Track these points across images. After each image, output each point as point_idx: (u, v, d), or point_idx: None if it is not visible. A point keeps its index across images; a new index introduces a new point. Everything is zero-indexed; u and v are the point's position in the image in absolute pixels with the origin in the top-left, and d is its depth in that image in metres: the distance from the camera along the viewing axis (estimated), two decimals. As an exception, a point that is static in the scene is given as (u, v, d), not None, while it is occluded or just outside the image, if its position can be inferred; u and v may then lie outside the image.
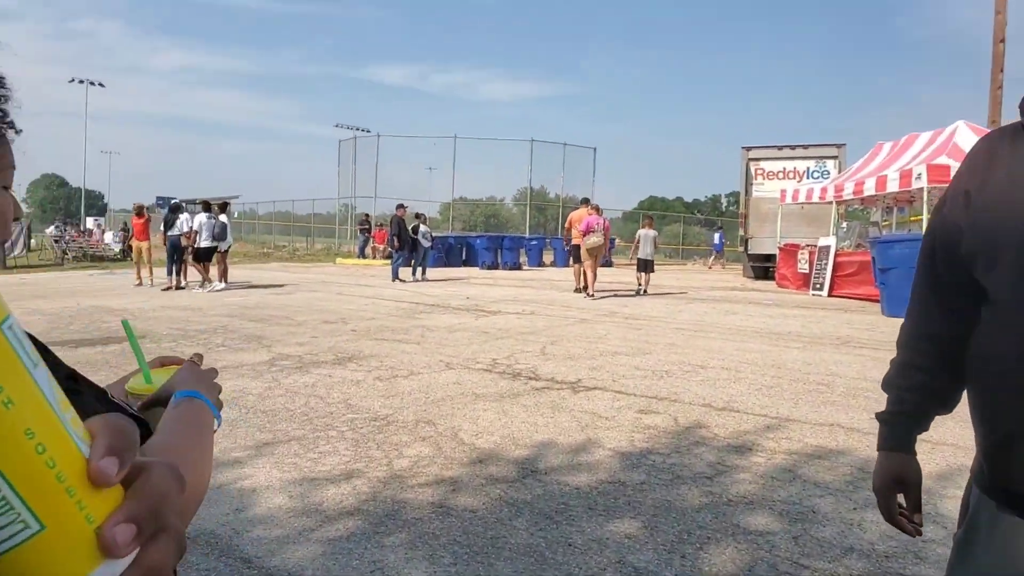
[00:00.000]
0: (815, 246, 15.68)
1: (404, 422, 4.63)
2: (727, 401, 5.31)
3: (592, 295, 13.20)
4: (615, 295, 13.93)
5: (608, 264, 24.30)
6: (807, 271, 15.89)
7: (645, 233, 14.59)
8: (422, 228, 17.59)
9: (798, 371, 6.48)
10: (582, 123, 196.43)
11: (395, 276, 16.43)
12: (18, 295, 12.85)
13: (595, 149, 33.33)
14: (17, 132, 0.73)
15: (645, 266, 14.43)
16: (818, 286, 15.04)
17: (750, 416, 4.90)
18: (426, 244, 17.63)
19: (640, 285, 14.45)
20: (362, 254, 26.95)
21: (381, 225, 26.01)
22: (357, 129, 40.27)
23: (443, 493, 3.45)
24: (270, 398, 5.23)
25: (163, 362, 1.00)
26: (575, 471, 3.78)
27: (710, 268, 28.44)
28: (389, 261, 18.38)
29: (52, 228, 29.94)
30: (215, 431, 0.84)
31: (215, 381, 0.95)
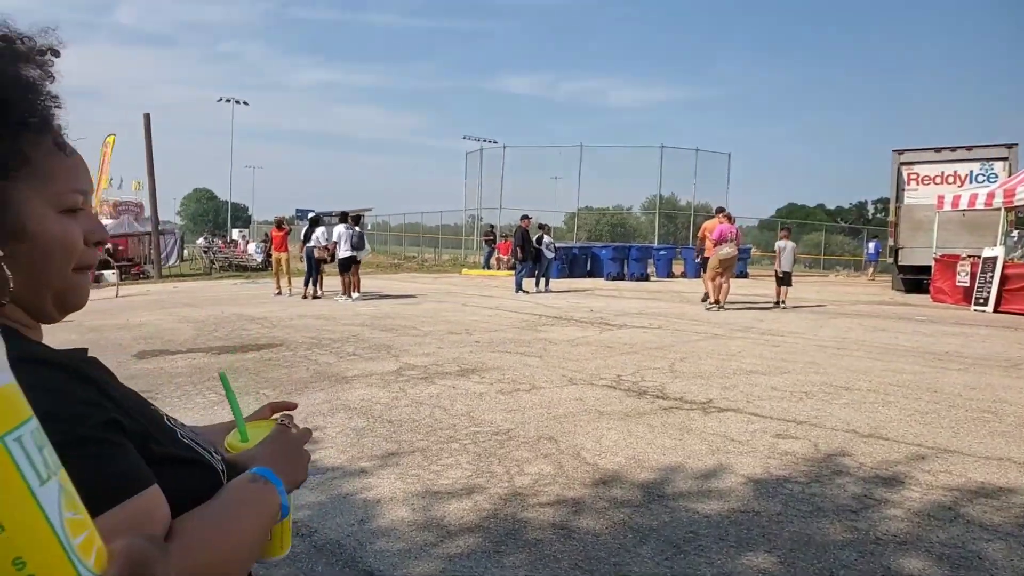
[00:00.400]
0: (978, 257, 14.41)
1: (526, 438, 4.63)
2: (875, 427, 4.94)
3: (723, 307, 12.76)
4: (750, 308, 13.39)
5: (743, 275, 23.44)
6: (968, 284, 14.62)
7: (783, 244, 13.98)
8: (546, 239, 17.66)
9: (959, 396, 5.95)
10: (716, 128, 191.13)
11: (518, 287, 16.59)
12: (170, 303, 14.04)
13: (729, 155, 32.37)
14: (68, 154, 0.75)
15: (783, 278, 13.81)
16: (981, 301, 13.80)
17: (901, 445, 4.54)
18: (549, 255, 17.69)
19: (778, 298, 13.83)
20: (487, 265, 27.45)
21: (506, 236, 26.39)
22: (484, 140, 41.21)
23: (565, 514, 3.41)
24: (396, 408, 5.39)
25: (274, 408, 0.99)
26: (705, 498, 3.63)
27: (871, 279, 26.77)
28: (513, 272, 18.58)
29: (201, 239, 32.54)
30: (278, 521, 0.82)
31: (304, 448, 0.92)
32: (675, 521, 3.33)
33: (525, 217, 17.60)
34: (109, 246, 24.40)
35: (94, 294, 16.73)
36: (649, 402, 5.63)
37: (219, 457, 0.84)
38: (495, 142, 38.48)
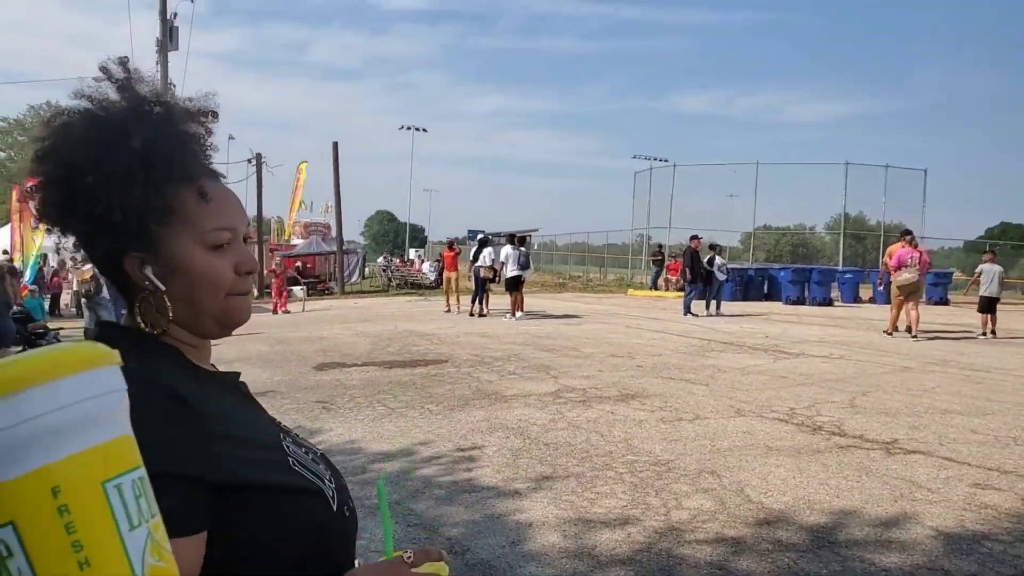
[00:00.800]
0: None
1: (686, 470, 4.49)
2: (1102, 484, 4.30)
3: (915, 336, 11.70)
4: (950, 339, 12.16)
5: (943, 302, 21.35)
6: None
7: (988, 268, 12.63)
8: (717, 260, 17.09)
9: None
10: (910, 142, 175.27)
11: (687, 310, 16.15)
12: (350, 318, 15.06)
13: (925, 171, 29.60)
14: (207, 200, 0.84)
15: (988, 306, 12.45)
16: None
17: None
18: (721, 277, 17.08)
19: (984, 328, 12.48)
20: (654, 285, 27.01)
21: (675, 256, 25.85)
22: (654, 159, 40.76)
23: (723, 554, 3.26)
24: (553, 431, 5.43)
25: (427, 555, 0.87)
26: (883, 548, 3.33)
27: None
28: (681, 294, 18.15)
29: (381, 258, 34.71)
30: None
31: None
32: (847, 571, 3.08)
33: (695, 237, 17.16)
34: (299, 263, 26.69)
35: (289, 306, 18.33)
36: (824, 439, 5.26)
37: (332, 484, 0.88)
38: (665, 161, 37.88)
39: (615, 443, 5.09)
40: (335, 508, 0.87)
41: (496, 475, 4.38)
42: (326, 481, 0.88)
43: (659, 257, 27.80)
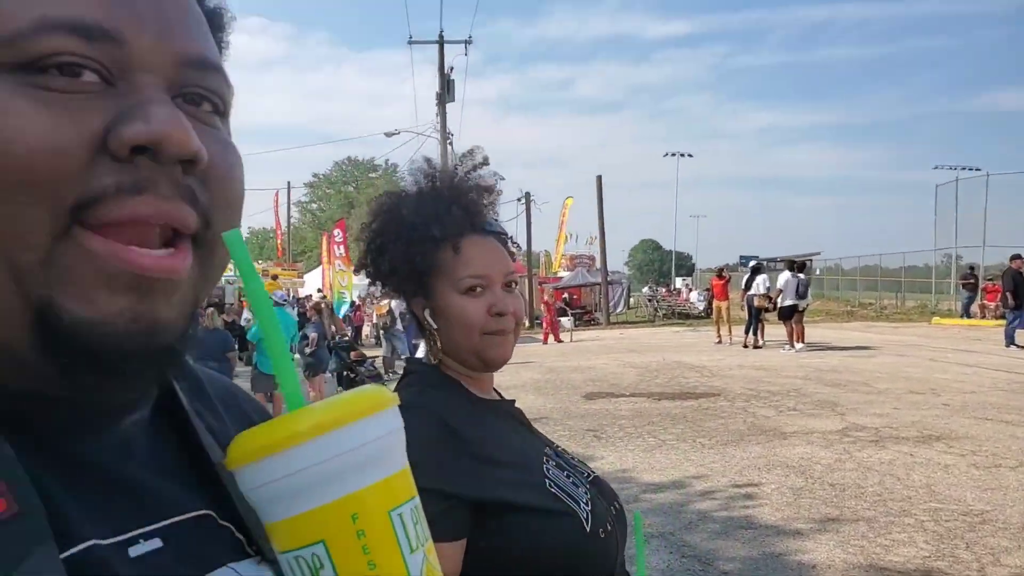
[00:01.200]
0: None
1: (1006, 523, 4.00)
2: None
3: None
4: None
5: None
6: None
7: None
8: (1048, 282, 14.78)
9: None
10: None
11: (1010, 341, 14.14)
12: (616, 348, 15.37)
13: None
14: (457, 253, 1.03)
15: None
16: None
17: None
18: (1054, 302, 14.72)
19: None
20: (966, 313, 23.95)
21: (992, 279, 22.75)
22: (961, 168, 36.34)
23: (1056, 622, 2.88)
24: (839, 471, 5.13)
25: None
26: None
27: None
28: (1002, 322, 15.93)
29: (646, 288, 34.88)
30: None
31: None
32: None
33: (1017, 257, 15.05)
34: (566, 295, 27.82)
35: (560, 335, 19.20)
36: None
37: (588, 507, 0.97)
38: (977, 169, 33.60)
39: (914, 488, 4.67)
40: (588, 529, 0.95)
41: (775, 513, 4.26)
42: (582, 504, 0.97)
43: (971, 280, 24.64)
